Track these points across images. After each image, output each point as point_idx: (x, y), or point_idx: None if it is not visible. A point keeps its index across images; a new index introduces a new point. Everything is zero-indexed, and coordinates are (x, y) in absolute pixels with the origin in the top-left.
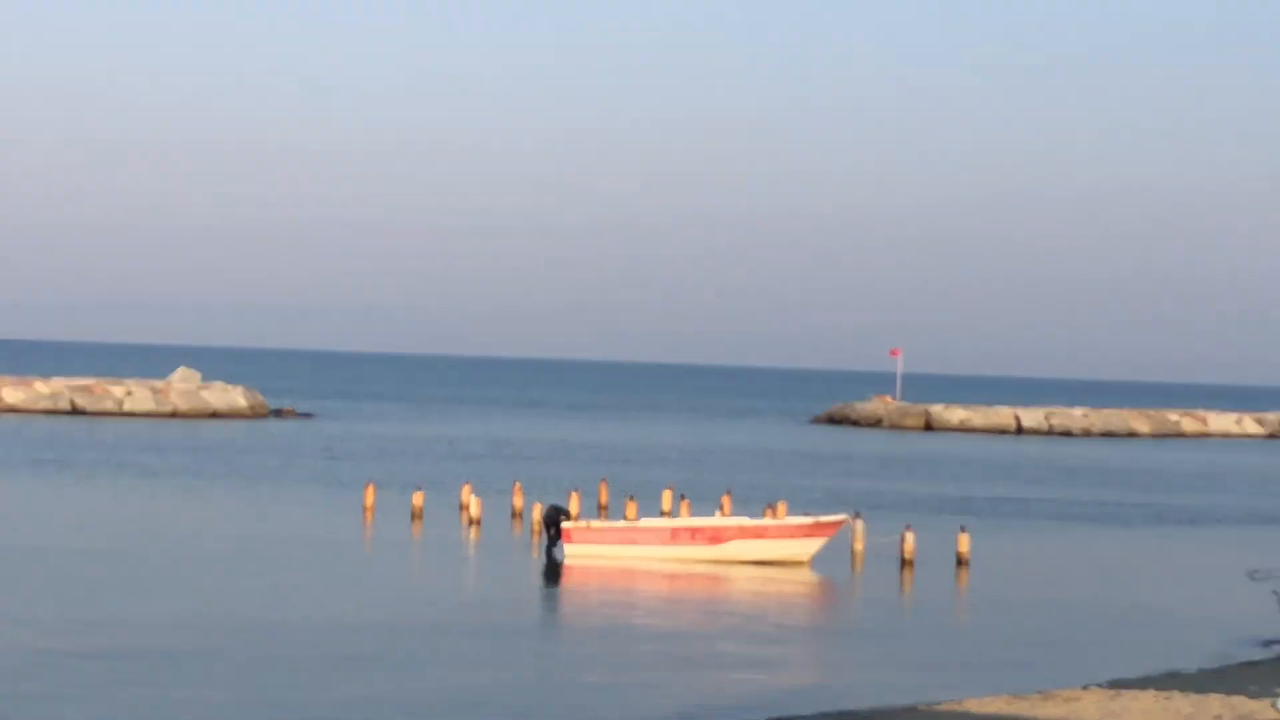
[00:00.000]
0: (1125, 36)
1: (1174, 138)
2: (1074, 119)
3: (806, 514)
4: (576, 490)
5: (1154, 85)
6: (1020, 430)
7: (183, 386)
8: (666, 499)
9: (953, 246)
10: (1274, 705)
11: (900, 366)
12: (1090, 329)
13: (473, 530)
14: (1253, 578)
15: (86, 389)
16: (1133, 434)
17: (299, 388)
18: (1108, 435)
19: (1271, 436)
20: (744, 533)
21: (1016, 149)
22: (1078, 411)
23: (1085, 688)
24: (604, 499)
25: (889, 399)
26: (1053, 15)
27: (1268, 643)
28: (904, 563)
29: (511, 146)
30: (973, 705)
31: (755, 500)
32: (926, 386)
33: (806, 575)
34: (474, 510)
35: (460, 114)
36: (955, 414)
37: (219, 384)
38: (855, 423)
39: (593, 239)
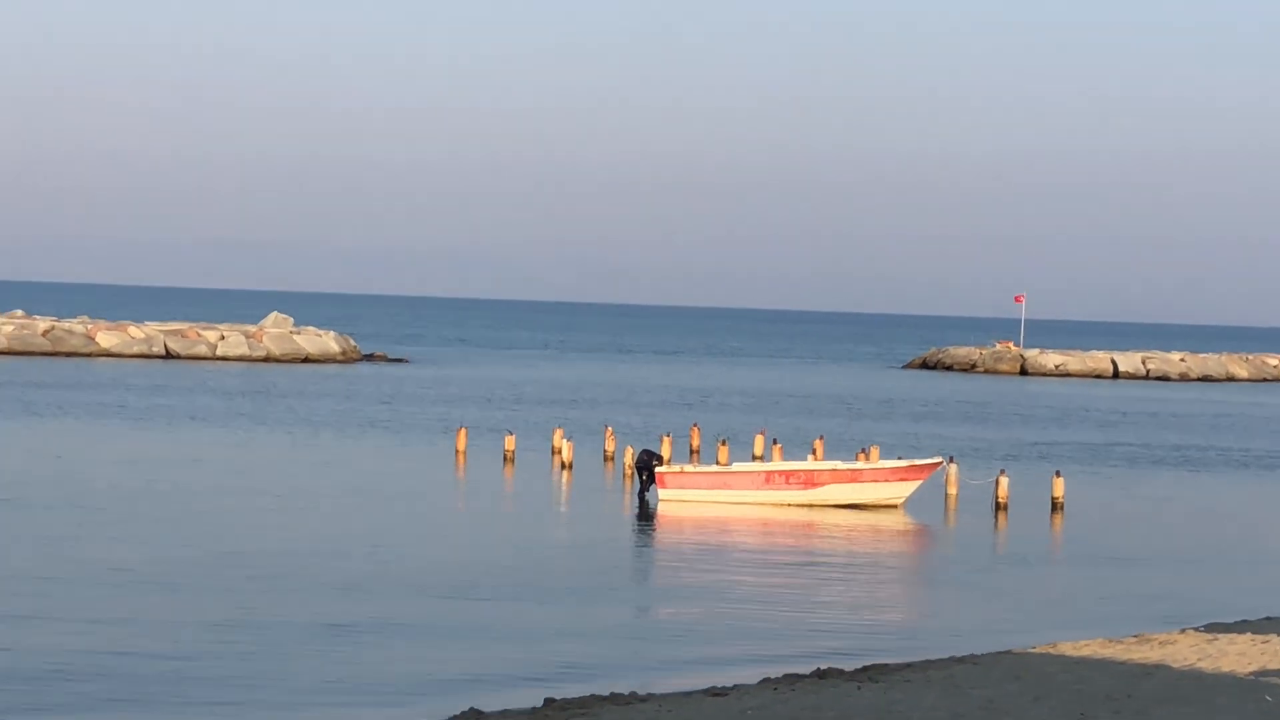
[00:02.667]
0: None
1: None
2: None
3: (900, 458)
4: (668, 435)
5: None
6: (1117, 375)
7: (276, 331)
8: (759, 443)
9: (1078, 197)
10: None
11: (1024, 313)
12: (1205, 277)
13: (565, 474)
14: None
15: (180, 334)
16: (1231, 379)
17: (392, 333)
18: (1205, 380)
19: None
20: (838, 476)
21: (1150, 103)
22: (1175, 356)
23: (1181, 631)
24: (696, 443)
25: (1011, 344)
26: None
27: None
28: (998, 507)
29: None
30: (1067, 649)
31: (847, 445)
32: (1052, 332)
33: (900, 519)
34: (566, 454)
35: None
36: (1050, 359)
37: (311, 329)
38: (949, 367)
39: (698, 188)
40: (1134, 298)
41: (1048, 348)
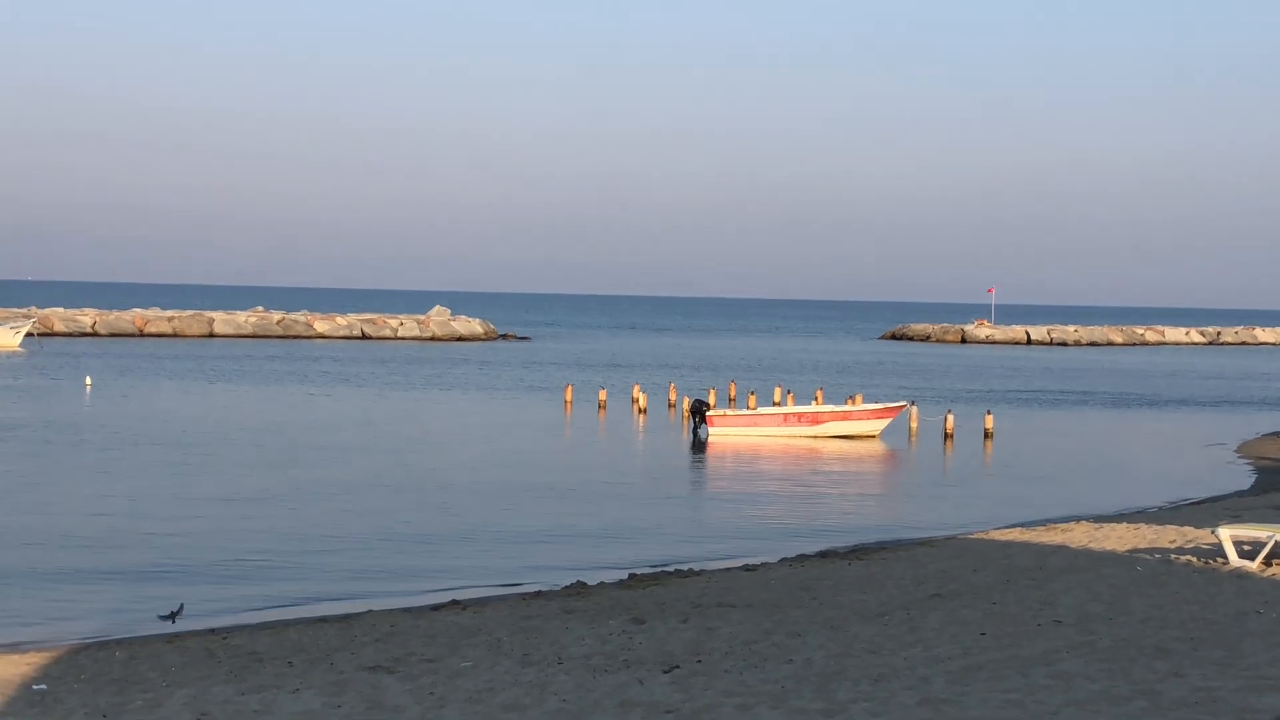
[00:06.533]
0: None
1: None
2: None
3: (877, 402)
4: (713, 389)
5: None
6: (1029, 342)
7: (438, 319)
8: (777, 393)
9: (1034, 204)
10: (1212, 532)
11: (994, 300)
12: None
13: (641, 418)
14: None
15: (371, 321)
16: (1110, 343)
17: (520, 319)
18: (1092, 345)
19: (1210, 344)
20: (835, 416)
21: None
22: (1070, 328)
23: (1077, 521)
24: (733, 394)
25: (985, 322)
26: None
27: (1207, 489)
28: (946, 436)
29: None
30: (995, 535)
31: (840, 393)
32: (1020, 314)
33: (878, 446)
34: (642, 403)
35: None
36: (982, 331)
37: (463, 317)
38: (910, 339)
39: (749, 194)
40: (1089, 287)
41: (1014, 324)
